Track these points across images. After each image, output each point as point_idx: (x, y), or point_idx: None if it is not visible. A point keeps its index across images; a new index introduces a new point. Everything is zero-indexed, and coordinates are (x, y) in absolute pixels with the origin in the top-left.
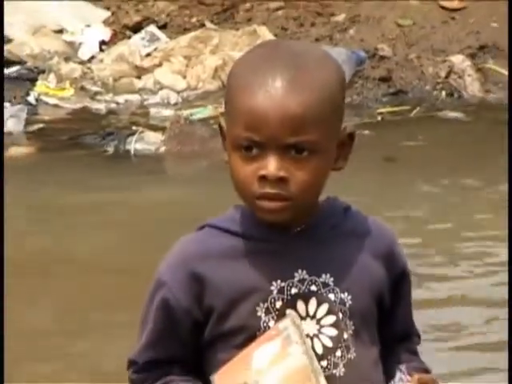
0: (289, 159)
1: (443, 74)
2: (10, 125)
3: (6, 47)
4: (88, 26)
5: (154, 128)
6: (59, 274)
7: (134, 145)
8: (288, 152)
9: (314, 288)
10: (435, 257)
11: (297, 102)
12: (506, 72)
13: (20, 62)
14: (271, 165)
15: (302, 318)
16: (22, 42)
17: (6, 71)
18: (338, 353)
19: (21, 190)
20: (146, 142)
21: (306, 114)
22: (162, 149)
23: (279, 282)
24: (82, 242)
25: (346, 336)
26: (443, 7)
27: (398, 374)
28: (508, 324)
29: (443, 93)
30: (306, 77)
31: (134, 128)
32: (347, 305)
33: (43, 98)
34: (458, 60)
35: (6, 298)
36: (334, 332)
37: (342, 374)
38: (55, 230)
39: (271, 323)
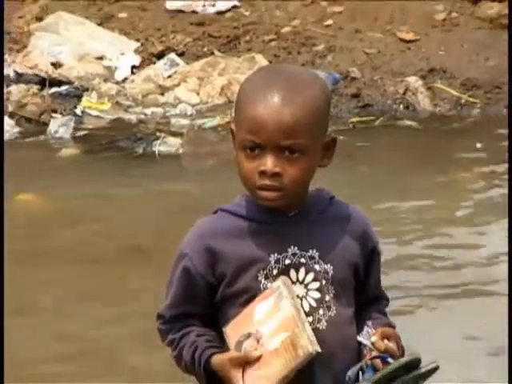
0: (283, 158)
1: (401, 92)
2: (60, 131)
3: (58, 70)
4: (122, 53)
5: (174, 134)
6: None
7: (158, 147)
8: (282, 152)
9: (303, 260)
10: (382, 232)
11: (289, 114)
12: (450, 90)
13: (69, 82)
14: (269, 162)
15: (293, 283)
16: (71, 66)
17: (59, 89)
18: (321, 311)
19: (71, 182)
20: (168, 145)
21: (296, 123)
22: (180, 150)
23: (276, 254)
24: (126, 221)
25: (327, 298)
26: (401, 39)
27: (366, 328)
28: (508, 324)
29: (401, 106)
30: (297, 94)
31: (158, 134)
32: (329, 274)
33: (87, 110)
34: (413, 80)
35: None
36: (318, 295)
37: (324, 328)
38: (105, 215)
39: (268, 286)
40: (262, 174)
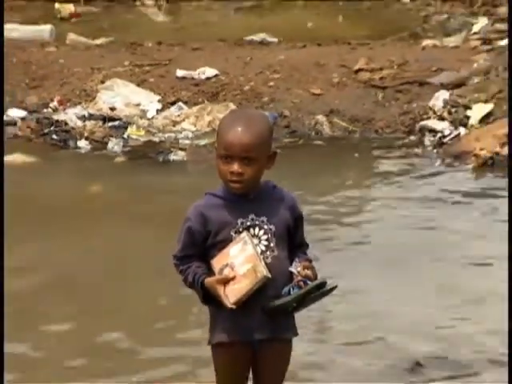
0: (243, 164)
1: (313, 124)
2: (115, 148)
3: (114, 112)
4: (151, 102)
5: (181, 149)
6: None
7: (172, 157)
8: (243, 161)
9: (257, 222)
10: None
11: (246, 139)
12: (341, 122)
13: (120, 119)
14: (235, 167)
15: (253, 236)
16: (121, 109)
17: (114, 123)
18: (268, 252)
19: (121, 177)
20: (178, 155)
21: (250, 144)
22: (185, 158)
23: (241, 219)
24: (161, 199)
25: (272, 245)
26: (313, 93)
27: (294, 263)
28: (508, 323)
29: (313, 132)
30: (251, 127)
31: (171, 149)
32: (272, 231)
33: (130, 135)
34: (320, 117)
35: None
36: (266, 243)
37: (270, 262)
38: (145, 196)
39: (237, 237)
40: (232, 173)
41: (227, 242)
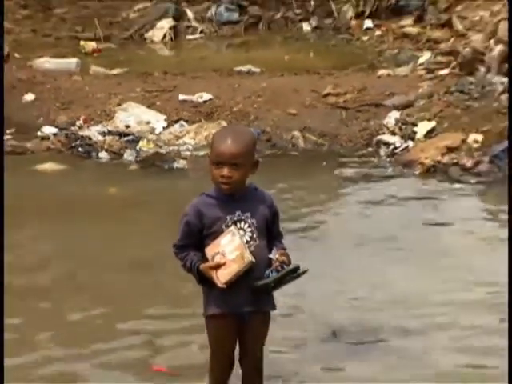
0: (232, 169)
1: (290, 138)
2: (129, 158)
3: (128, 129)
4: (158, 121)
5: (183, 158)
6: None
7: (175, 165)
8: (231, 166)
9: (243, 217)
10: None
11: (234, 149)
12: (312, 137)
13: (133, 135)
14: (225, 171)
15: (239, 229)
16: (134, 127)
17: (128, 138)
18: (252, 242)
19: (135, 182)
20: (180, 164)
21: (237, 154)
22: (186, 167)
23: (230, 215)
24: (164, 199)
25: (254, 236)
26: (289, 113)
27: (273, 251)
28: (508, 324)
29: (290, 145)
30: (239, 139)
31: (175, 159)
32: (255, 224)
33: (142, 148)
34: (296, 132)
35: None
36: (250, 234)
37: (253, 250)
38: (154, 198)
39: (227, 229)
40: (222, 176)
41: (218, 233)
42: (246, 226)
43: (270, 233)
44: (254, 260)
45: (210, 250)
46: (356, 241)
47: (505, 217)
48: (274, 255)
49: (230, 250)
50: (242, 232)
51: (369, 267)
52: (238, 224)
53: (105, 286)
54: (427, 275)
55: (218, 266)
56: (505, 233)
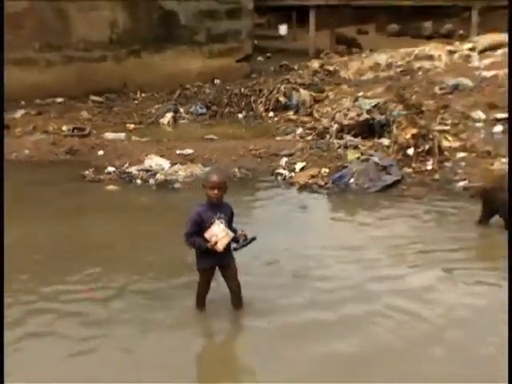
0: (218, 190)
1: (233, 171)
2: (151, 182)
3: (151, 167)
4: (165, 164)
5: (179, 183)
6: None
7: (175, 186)
8: (218, 189)
9: (221, 216)
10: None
11: (220, 180)
12: (245, 171)
13: (153, 170)
14: (215, 191)
15: (220, 222)
16: (154, 167)
17: (151, 172)
18: (226, 228)
19: (152, 196)
20: (177, 185)
21: (222, 182)
22: (181, 187)
23: (215, 215)
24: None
25: (226, 226)
26: (233, 159)
27: (238, 231)
28: (508, 324)
29: (232, 175)
30: (222, 175)
31: (175, 183)
32: (226, 219)
33: (158, 178)
34: (236, 169)
35: None
36: (224, 224)
37: (228, 233)
38: (163, 206)
39: (216, 225)
40: (214, 194)
41: (210, 224)
42: (223, 220)
43: (230, 224)
44: (233, 235)
45: (207, 234)
46: (262, 219)
47: (340, 209)
48: (239, 232)
49: (219, 232)
50: (222, 224)
51: (270, 236)
52: (219, 219)
53: (130, 248)
54: (295, 238)
55: (215, 243)
56: (340, 215)
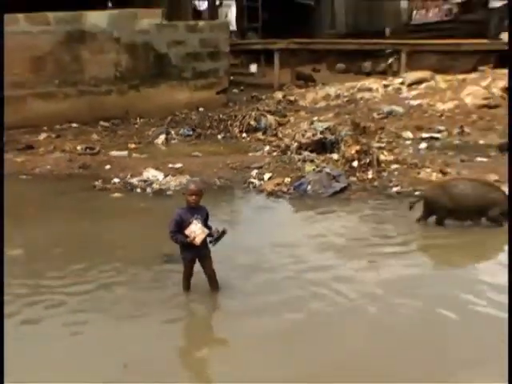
0: (196, 196)
1: (213, 181)
2: (148, 191)
3: (148, 178)
4: (160, 175)
5: (171, 190)
6: None
7: (167, 193)
8: (196, 195)
9: (198, 217)
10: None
11: (198, 188)
12: (224, 181)
13: (150, 181)
14: (194, 197)
15: (197, 221)
16: (150, 178)
17: (148, 182)
18: (202, 227)
19: (150, 202)
20: (169, 192)
21: (199, 190)
22: (172, 194)
23: (193, 216)
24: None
25: (202, 225)
26: (214, 171)
27: (213, 228)
28: (508, 324)
29: (213, 185)
30: (197, 185)
31: (167, 191)
32: (201, 220)
33: (154, 187)
34: (216, 179)
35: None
36: (200, 223)
37: (203, 231)
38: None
39: (194, 223)
40: (193, 200)
41: (188, 224)
42: (199, 221)
43: (206, 223)
44: (208, 231)
45: (187, 231)
46: (236, 219)
47: (298, 210)
48: (213, 229)
49: (196, 229)
50: (199, 224)
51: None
52: (196, 219)
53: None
54: (255, 235)
55: (193, 238)
56: (298, 215)
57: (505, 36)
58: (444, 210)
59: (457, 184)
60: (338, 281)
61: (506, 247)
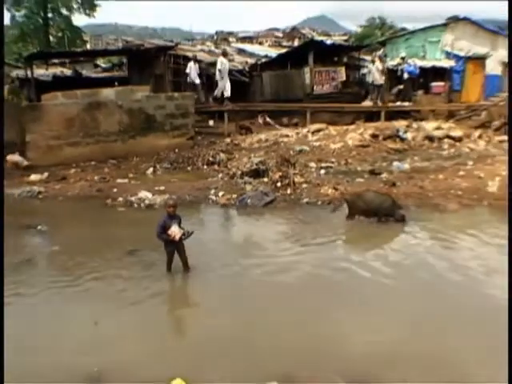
0: (173, 208)
1: (188, 198)
2: (142, 206)
3: (142, 197)
4: (149, 195)
5: (156, 205)
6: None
7: (155, 207)
8: (174, 207)
9: (176, 222)
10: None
11: (172, 203)
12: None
13: (143, 199)
14: (171, 209)
15: (176, 225)
16: (143, 197)
17: (143, 200)
18: (179, 228)
19: (142, 214)
20: (156, 206)
21: (175, 204)
22: (158, 208)
23: (172, 222)
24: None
25: (178, 227)
26: (188, 193)
27: (184, 228)
28: (508, 323)
29: (187, 200)
30: (173, 201)
31: (154, 205)
32: (178, 223)
33: (146, 202)
34: (187, 196)
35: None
36: (178, 226)
37: (180, 229)
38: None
39: (173, 226)
40: (172, 211)
41: (169, 227)
42: (177, 224)
43: (179, 225)
44: (182, 231)
45: (169, 232)
46: (200, 223)
47: (241, 216)
48: (186, 229)
49: (175, 230)
50: (177, 225)
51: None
52: (175, 224)
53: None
54: (211, 234)
55: (174, 237)
56: (243, 218)
57: (367, 103)
58: (359, 210)
59: (367, 193)
60: (274, 263)
61: (392, 237)
